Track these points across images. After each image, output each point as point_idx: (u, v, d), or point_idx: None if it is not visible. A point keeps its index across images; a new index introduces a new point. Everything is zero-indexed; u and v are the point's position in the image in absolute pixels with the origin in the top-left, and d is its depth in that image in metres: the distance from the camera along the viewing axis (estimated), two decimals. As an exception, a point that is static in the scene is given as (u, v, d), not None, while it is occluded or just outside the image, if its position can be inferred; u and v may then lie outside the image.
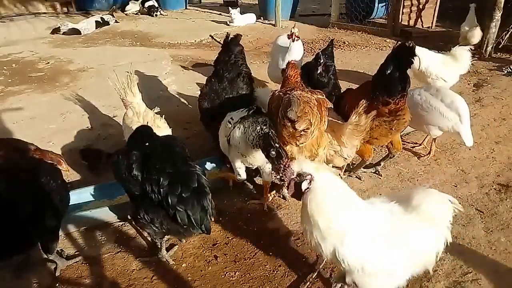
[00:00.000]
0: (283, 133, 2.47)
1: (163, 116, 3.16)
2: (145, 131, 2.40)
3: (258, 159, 2.56)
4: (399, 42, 2.77)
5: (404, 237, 1.77)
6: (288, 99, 2.41)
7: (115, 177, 2.27)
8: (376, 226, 1.76)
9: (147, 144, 2.22)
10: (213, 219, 2.18)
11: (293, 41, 4.08)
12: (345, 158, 2.83)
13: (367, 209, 1.80)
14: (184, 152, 2.29)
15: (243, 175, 2.80)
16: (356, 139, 2.71)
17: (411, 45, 2.64)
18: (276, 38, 4.59)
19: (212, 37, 3.82)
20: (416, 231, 1.79)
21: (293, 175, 1.76)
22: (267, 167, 2.69)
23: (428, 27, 8.32)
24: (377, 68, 2.86)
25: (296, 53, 4.14)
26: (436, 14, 8.23)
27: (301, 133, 2.40)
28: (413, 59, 2.64)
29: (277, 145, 2.22)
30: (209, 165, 3.25)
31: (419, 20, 8.39)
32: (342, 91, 3.65)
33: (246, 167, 2.77)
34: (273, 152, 2.20)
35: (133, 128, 2.93)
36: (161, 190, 2.00)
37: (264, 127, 2.38)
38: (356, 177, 3.23)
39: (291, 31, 4.10)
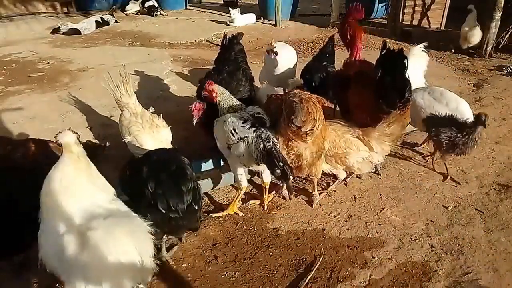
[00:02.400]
0: (287, 131, 2.45)
1: (161, 115, 3.16)
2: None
3: (260, 166, 2.54)
4: (384, 49, 2.68)
5: None
6: (290, 105, 2.39)
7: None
8: None
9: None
10: (197, 208, 2.14)
11: (272, 57, 3.95)
12: (374, 164, 2.86)
13: None
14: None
15: (244, 183, 2.74)
16: (387, 145, 2.75)
17: (386, 46, 2.64)
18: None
19: (208, 41, 3.81)
20: None
21: None
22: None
23: (437, 28, 8.30)
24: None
25: (281, 66, 4.03)
26: (445, 15, 8.20)
27: (307, 132, 2.40)
28: (404, 62, 2.55)
29: (281, 163, 2.21)
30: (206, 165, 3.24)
31: (426, 20, 8.37)
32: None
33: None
34: (278, 171, 2.21)
35: (132, 129, 2.95)
36: (143, 176, 2.03)
37: (268, 144, 2.33)
38: (357, 176, 3.24)
39: (270, 45, 3.97)
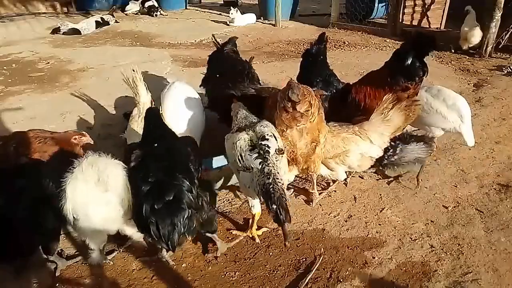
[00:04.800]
0: (282, 116, 2.42)
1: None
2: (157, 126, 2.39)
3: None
4: (417, 32, 2.91)
5: None
6: (287, 85, 2.39)
7: None
8: None
9: (155, 145, 2.22)
10: (188, 238, 2.13)
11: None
12: (373, 159, 2.80)
13: None
14: (188, 160, 2.23)
15: (256, 209, 2.51)
16: (386, 136, 2.72)
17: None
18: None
19: (214, 36, 3.83)
20: None
21: None
22: None
23: (437, 28, 8.31)
24: (391, 56, 2.95)
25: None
26: (445, 15, 8.20)
27: (302, 114, 2.38)
28: (434, 47, 2.78)
29: (274, 206, 2.05)
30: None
31: (426, 20, 8.37)
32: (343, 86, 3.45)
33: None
34: (272, 213, 2.08)
35: (129, 127, 2.99)
36: (140, 196, 1.96)
37: (267, 181, 2.13)
38: (359, 176, 3.24)
39: None
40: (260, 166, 2.19)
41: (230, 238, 2.59)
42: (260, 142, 2.28)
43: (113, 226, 2.19)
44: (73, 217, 2.03)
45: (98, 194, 2.03)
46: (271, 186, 2.09)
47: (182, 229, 1.94)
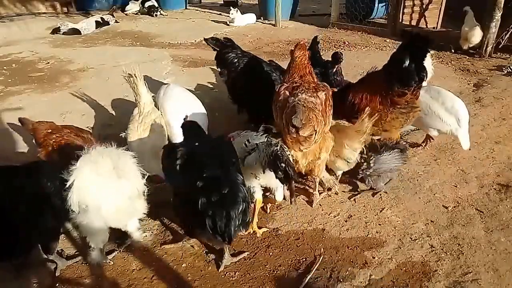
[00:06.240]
0: (286, 138, 2.49)
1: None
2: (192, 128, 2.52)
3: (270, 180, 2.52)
4: (413, 33, 2.83)
5: None
6: (293, 106, 2.40)
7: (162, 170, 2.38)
8: None
9: (196, 144, 2.29)
10: (242, 231, 2.15)
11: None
12: (348, 162, 2.84)
13: None
14: (234, 157, 2.31)
15: (257, 195, 2.62)
16: (357, 143, 2.75)
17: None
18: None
19: (207, 40, 3.82)
20: None
21: None
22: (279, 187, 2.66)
23: (433, 28, 8.30)
24: (388, 60, 2.91)
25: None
26: (441, 15, 8.20)
27: (306, 139, 2.41)
28: (429, 49, 2.69)
29: (283, 164, 2.21)
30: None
31: (423, 20, 8.37)
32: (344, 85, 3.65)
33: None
34: (280, 172, 2.21)
35: (129, 126, 3.01)
36: (196, 191, 1.99)
37: (275, 148, 2.34)
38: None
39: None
40: (267, 140, 2.45)
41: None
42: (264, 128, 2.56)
43: (124, 219, 2.25)
44: (81, 210, 2.04)
45: (112, 183, 2.06)
46: (279, 151, 2.30)
47: (238, 221, 1.99)
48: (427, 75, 2.78)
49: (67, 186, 1.96)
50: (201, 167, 2.07)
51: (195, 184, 1.98)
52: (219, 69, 3.91)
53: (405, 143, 3.31)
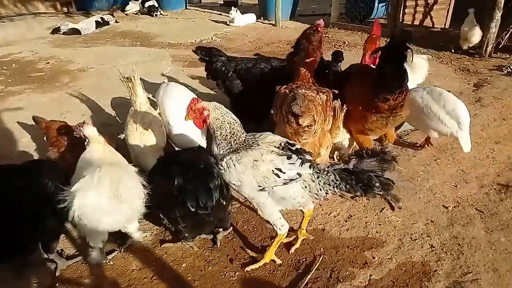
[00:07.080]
0: (286, 130, 2.47)
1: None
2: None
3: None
4: (389, 39, 2.72)
5: None
6: (293, 96, 2.41)
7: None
8: None
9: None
10: (225, 203, 2.24)
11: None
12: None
13: None
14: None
15: (286, 228, 2.25)
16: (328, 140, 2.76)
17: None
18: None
19: (197, 52, 3.80)
20: None
21: None
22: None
23: (441, 28, 8.29)
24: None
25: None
26: (450, 14, 8.18)
27: (305, 129, 2.40)
28: (406, 53, 2.52)
29: (378, 184, 2.00)
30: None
31: (429, 20, 8.36)
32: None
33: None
34: (378, 185, 2.02)
35: (127, 127, 3.02)
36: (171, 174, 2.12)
37: (341, 166, 2.05)
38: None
39: None
40: (313, 169, 2.00)
41: (230, 238, 2.59)
42: (288, 147, 2.05)
43: (120, 226, 2.29)
44: (78, 220, 2.05)
45: (111, 205, 2.05)
46: (371, 176, 1.94)
47: (217, 194, 2.09)
48: (407, 79, 2.62)
49: (67, 203, 1.96)
50: (175, 160, 2.30)
51: (171, 176, 2.12)
52: (214, 82, 3.93)
53: (395, 153, 3.15)
